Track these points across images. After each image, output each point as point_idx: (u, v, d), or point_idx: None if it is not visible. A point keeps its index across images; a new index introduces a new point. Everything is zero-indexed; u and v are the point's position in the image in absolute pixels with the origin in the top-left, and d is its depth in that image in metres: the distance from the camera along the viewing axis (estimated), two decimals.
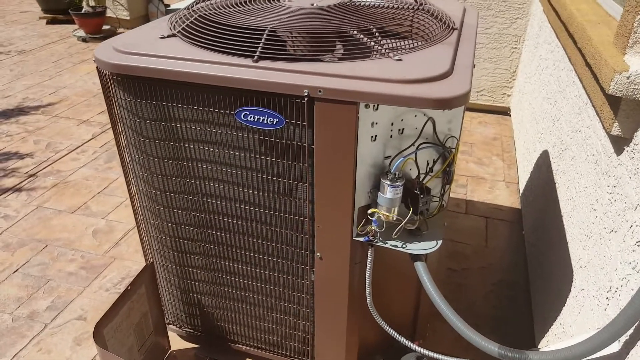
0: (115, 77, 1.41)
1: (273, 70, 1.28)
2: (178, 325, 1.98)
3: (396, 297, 1.75)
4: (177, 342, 2.01)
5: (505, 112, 3.98)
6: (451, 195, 2.97)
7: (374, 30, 1.40)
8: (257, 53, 1.32)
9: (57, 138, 3.56)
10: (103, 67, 1.41)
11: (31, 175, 3.12)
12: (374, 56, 1.35)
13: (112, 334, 1.57)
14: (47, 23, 6.00)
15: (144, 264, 1.80)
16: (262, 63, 1.30)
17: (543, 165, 2.31)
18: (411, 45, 1.42)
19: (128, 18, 5.67)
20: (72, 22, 5.65)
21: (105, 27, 5.67)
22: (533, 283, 2.19)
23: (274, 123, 1.31)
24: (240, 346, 1.90)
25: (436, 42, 1.46)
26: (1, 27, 5.95)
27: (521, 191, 2.89)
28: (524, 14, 3.56)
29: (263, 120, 1.31)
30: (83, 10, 5.27)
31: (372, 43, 1.40)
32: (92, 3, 5.35)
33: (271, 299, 1.71)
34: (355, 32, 1.41)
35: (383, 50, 1.36)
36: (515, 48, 3.70)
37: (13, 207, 2.83)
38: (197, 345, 2.01)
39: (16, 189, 2.99)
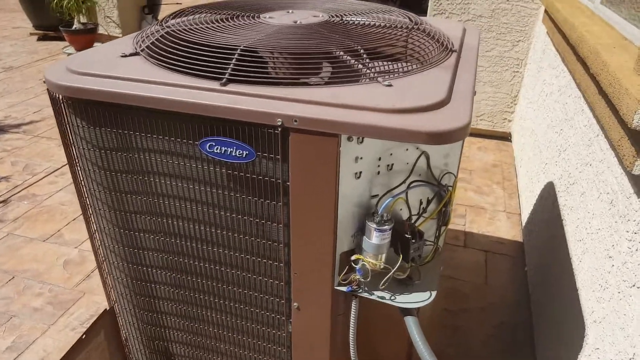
0: (66, 101, 1.25)
1: (242, 95, 1.11)
2: None
3: (386, 349, 1.56)
4: None
5: (506, 137, 3.83)
6: (449, 226, 2.79)
7: (362, 51, 1.24)
8: (226, 75, 1.15)
9: (36, 159, 3.39)
10: (52, 89, 1.24)
11: (4, 200, 2.94)
12: (360, 81, 1.18)
13: None
14: (38, 39, 5.89)
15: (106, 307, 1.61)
16: (231, 87, 1.14)
17: (548, 198, 2.13)
18: (404, 69, 1.26)
19: (120, 35, 5.56)
20: (63, 39, 5.54)
21: (97, 44, 5.56)
22: (537, 328, 1.99)
23: (244, 156, 1.14)
24: None
25: (432, 66, 1.30)
26: None
27: (523, 224, 2.71)
28: (526, 37, 3.43)
29: (231, 152, 1.14)
30: (74, 27, 5.16)
31: (360, 66, 1.23)
32: (83, 20, 5.23)
33: (245, 351, 1.51)
34: (340, 52, 1.25)
35: (371, 74, 1.20)
36: (517, 72, 3.56)
37: None
38: None
39: None
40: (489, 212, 2.94)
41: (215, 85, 1.15)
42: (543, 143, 2.47)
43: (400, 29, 1.42)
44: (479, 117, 3.81)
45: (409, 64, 1.30)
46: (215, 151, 1.16)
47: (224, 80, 1.15)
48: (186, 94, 1.12)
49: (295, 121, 1.05)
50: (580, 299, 1.48)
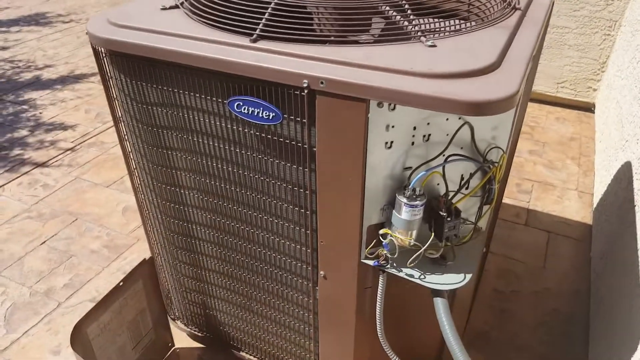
0: (105, 54, 1.25)
1: (270, 52, 1.05)
2: (184, 323, 1.85)
3: (419, 325, 1.49)
4: (183, 340, 1.89)
5: (588, 108, 3.47)
6: (511, 202, 2.61)
7: (406, 6, 1.12)
8: (257, 31, 1.09)
9: (107, 108, 3.54)
10: (93, 42, 1.24)
11: (76, 146, 3.12)
12: (405, 40, 1.07)
13: (98, 332, 1.45)
14: None
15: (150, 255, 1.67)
16: (261, 43, 1.07)
17: (623, 180, 1.91)
18: (453, 28, 1.13)
19: None
20: None
21: None
22: (593, 321, 1.83)
23: (270, 118, 1.08)
24: (244, 354, 1.73)
25: (488, 25, 1.15)
26: None
27: (595, 205, 2.47)
28: None
29: (258, 113, 1.09)
30: None
31: (405, 22, 1.12)
32: None
33: (275, 312, 1.51)
34: (384, 7, 1.14)
35: (413, 32, 1.08)
36: (609, 35, 3.18)
37: (53, 176, 2.84)
38: (202, 346, 1.87)
39: (59, 158, 3.00)
40: (559, 189, 2.71)
41: (245, 41, 1.09)
42: (626, 117, 2.20)
43: None
44: (560, 84, 3.48)
45: (462, 22, 1.16)
46: (243, 111, 1.11)
47: (254, 36, 1.08)
48: (215, 50, 1.07)
49: (322, 83, 0.97)
50: None
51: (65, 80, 3.95)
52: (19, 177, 2.83)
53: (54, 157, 3.00)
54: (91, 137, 3.21)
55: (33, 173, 2.86)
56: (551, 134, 3.23)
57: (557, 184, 2.75)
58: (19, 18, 5.29)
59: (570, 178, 2.80)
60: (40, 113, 3.48)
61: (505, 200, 2.62)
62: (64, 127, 3.32)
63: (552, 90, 3.52)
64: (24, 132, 3.25)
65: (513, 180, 2.77)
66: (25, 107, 3.56)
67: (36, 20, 5.22)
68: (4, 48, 4.54)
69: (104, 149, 3.10)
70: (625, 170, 1.91)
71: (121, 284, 1.49)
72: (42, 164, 2.94)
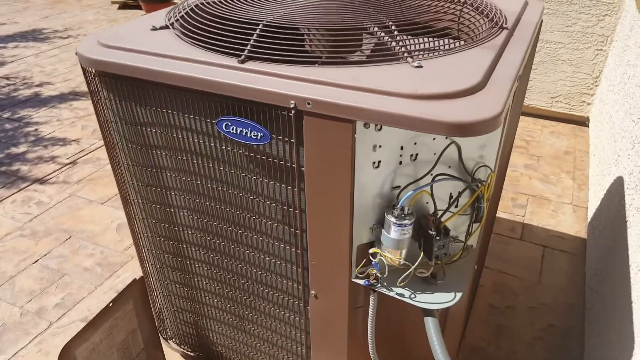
0: (95, 74, 1.25)
1: (258, 73, 1.05)
2: (177, 343, 1.83)
3: (412, 343, 1.48)
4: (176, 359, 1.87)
5: (583, 122, 3.49)
6: (506, 216, 2.60)
7: (393, 27, 1.13)
8: (245, 52, 1.10)
9: None
10: (82, 63, 1.25)
11: (72, 162, 3.12)
12: (392, 60, 1.08)
13: (87, 354, 1.43)
14: (119, 8, 6.14)
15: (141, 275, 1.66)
16: (249, 64, 1.08)
17: (616, 195, 1.91)
18: (439, 48, 1.13)
19: None
20: (141, 7, 5.74)
21: None
22: (589, 336, 1.81)
23: (259, 138, 1.09)
24: None
25: (474, 45, 1.16)
26: (77, 11, 6.17)
27: (589, 219, 2.47)
28: (615, 10, 3.06)
29: (246, 133, 1.10)
30: None
31: (393, 43, 1.13)
32: None
33: (267, 332, 1.50)
34: (372, 28, 1.15)
35: (400, 53, 1.09)
36: (601, 50, 3.21)
37: (48, 194, 2.83)
38: None
39: (55, 175, 3.00)
40: (554, 203, 2.71)
41: (233, 62, 1.09)
42: (619, 132, 2.21)
43: (442, 2, 1.29)
44: (555, 98, 3.50)
45: (449, 42, 1.17)
46: (231, 131, 1.11)
47: (242, 57, 1.09)
48: (203, 71, 1.08)
49: (309, 104, 0.97)
50: (633, 314, 1.31)
51: (63, 96, 3.96)
52: (13, 194, 2.83)
53: (49, 174, 3.00)
54: (87, 154, 3.21)
55: (27, 190, 2.86)
56: (546, 148, 3.24)
57: (552, 198, 2.75)
58: (16, 34, 5.33)
59: (565, 192, 2.80)
60: (37, 130, 3.48)
61: (500, 214, 2.62)
62: (60, 143, 3.32)
63: (547, 105, 3.54)
64: (21, 149, 3.25)
65: (508, 195, 2.77)
66: (22, 123, 3.56)
67: (34, 36, 5.26)
68: (1, 64, 4.57)
69: (99, 165, 3.10)
70: (618, 185, 1.92)
71: (111, 304, 1.48)
72: (37, 181, 2.94)
